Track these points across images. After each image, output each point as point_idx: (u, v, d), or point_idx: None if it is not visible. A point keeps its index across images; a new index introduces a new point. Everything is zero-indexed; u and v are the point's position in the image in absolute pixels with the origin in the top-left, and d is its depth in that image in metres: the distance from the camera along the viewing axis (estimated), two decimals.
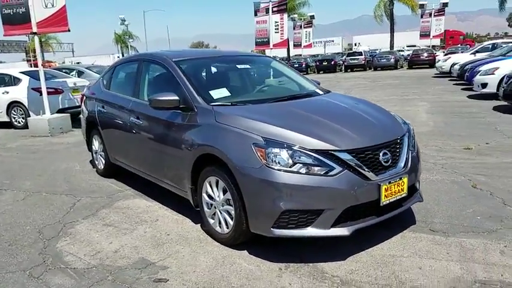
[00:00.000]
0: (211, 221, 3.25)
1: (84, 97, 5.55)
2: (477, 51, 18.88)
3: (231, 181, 2.89)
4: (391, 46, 41.31)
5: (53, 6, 8.41)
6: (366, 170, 2.75)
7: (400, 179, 2.90)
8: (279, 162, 2.68)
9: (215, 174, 3.08)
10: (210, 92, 3.55)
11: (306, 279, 2.61)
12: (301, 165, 2.66)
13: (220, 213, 3.13)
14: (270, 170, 2.66)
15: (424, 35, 40.31)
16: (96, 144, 5.26)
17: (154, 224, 3.64)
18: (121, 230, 3.56)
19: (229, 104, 3.37)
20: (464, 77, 13.55)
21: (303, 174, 2.64)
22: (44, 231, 3.60)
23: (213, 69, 4.24)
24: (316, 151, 2.69)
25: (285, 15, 29.71)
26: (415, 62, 30.09)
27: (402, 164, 2.98)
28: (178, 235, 3.39)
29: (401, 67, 32.30)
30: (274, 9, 27.81)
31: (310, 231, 2.69)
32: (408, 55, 33.46)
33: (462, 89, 13.59)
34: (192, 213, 3.73)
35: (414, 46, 34.53)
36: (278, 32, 31.86)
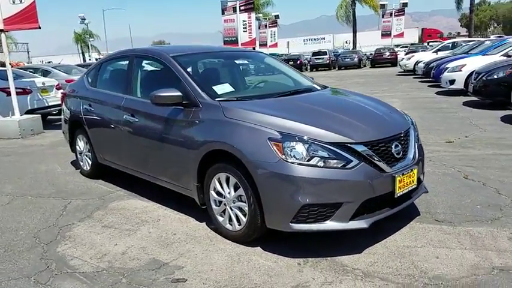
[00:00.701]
0: (221, 219, 3.18)
1: (66, 96, 5.29)
2: (439, 50, 19.72)
3: (245, 177, 2.84)
4: (354, 46, 42.39)
5: (21, 2, 7.97)
6: (381, 162, 2.78)
7: (411, 170, 2.95)
8: (295, 156, 2.65)
9: (226, 170, 3.01)
10: (213, 87, 3.47)
11: (328, 273, 2.60)
12: (318, 158, 2.65)
13: (231, 210, 3.06)
14: (287, 164, 2.63)
15: (386, 34, 41.69)
16: (81, 145, 5.03)
17: (157, 224, 3.52)
18: (123, 231, 3.42)
19: (235, 99, 3.32)
20: (430, 74, 14.10)
21: (321, 167, 2.63)
22: (39, 235, 3.40)
23: (211, 65, 4.16)
24: (333, 144, 2.69)
25: (253, 14, 29.78)
26: (377, 60, 30.99)
27: (411, 156, 3.04)
28: (185, 234, 3.29)
29: (365, 66, 33.16)
30: (242, 7, 27.82)
31: (329, 225, 2.69)
32: (371, 54, 34.42)
33: (429, 86, 14.13)
34: (194, 211, 3.64)
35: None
36: (246, 31, 31.91)
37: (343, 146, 2.70)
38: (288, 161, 2.64)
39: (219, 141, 2.99)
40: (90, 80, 4.88)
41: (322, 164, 2.64)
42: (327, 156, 2.65)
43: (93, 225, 3.58)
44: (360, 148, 2.72)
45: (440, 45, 20.51)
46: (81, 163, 5.11)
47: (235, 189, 2.99)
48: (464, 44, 17.99)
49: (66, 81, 10.81)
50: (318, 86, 4.04)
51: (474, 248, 2.82)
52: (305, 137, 2.69)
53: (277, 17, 43.14)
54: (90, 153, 4.85)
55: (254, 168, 2.73)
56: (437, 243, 2.91)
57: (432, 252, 2.79)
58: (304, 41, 72.99)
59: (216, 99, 3.26)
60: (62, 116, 5.41)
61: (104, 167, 4.73)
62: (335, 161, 2.66)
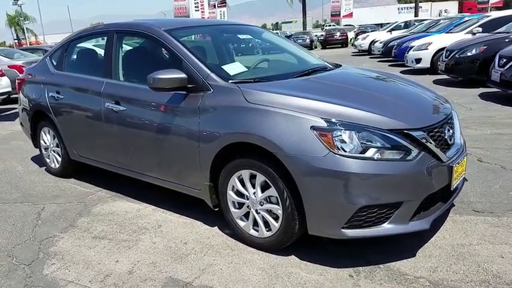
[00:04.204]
0: (242, 223, 2.69)
1: (23, 82, 4.44)
2: (393, 29, 19.95)
3: (279, 175, 2.35)
4: (304, 27, 42.30)
5: None
6: (440, 150, 2.39)
7: (464, 157, 2.61)
8: (347, 148, 2.20)
9: (250, 167, 2.50)
10: (223, 67, 2.91)
11: (390, 285, 2.20)
12: (374, 149, 2.21)
13: (257, 213, 2.57)
14: (339, 158, 2.18)
15: (335, 14, 41.97)
16: (46, 139, 4.25)
17: (159, 232, 2.95)
18: (120, 242, 2.82)
19: (252, 80, 2.78)
20: (391, 53, 14.14)
21: (378, 160, 2.20)
22: (16, 254, 2.73)
23: (213, 41, 3.56)
24: (391, 131, 2.26)
25: None
26: (329, 42, 30.97)
27: (459, 141, 2.69)
28: (198, 243, 2.76)
29: (316, 47, 33.11)
30: None
31: (387, 228, 2.28)
32: (322, 35, 34.42)
33: (390, 65, 14.12)
34: (198, 213, 3.14)
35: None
36: (198, 10, 30.66)
37: (402, 133, 2.28)
38: (339, 154, 2.18)
39: (242, 132, 2.46)
40: (55, 63, 4.09)
41: (379, 156, 2.21)
42: (385, 146, 2.22)
43: (80, 236, 2.95)
44: (418, 135, 2.31)
45: (393, 25, 20.73)
46: (48, 160, 4.35)
47: (263, 189, 2.50)
48: (417, 23, 18.29)
49: (9, 66, 9.57)
50: (330, 65, 3.58)
51: None
52: (359, 124, 2.24)
53: None
54: (59, 149, 4.11)
55: (294, 164, 2.25)
56: (493, 239, 2.60)
57: (493, 251, 2.47)
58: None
59: (230, 81, 2.71)
60: (19, 106, 4.57)
61: (77, 164, 4.02)
62: (394, 151, 2.23)
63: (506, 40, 7.62)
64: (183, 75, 2.70)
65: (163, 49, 3.10)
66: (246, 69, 3.02)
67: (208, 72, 2.76)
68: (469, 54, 8.25)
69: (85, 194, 3.77)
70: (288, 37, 33.89)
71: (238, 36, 3.70)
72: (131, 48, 3.58)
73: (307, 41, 31.15)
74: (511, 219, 2.84)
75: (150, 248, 2.73)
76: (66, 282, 2.37)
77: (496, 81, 6.67)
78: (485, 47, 7.96)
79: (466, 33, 10.30)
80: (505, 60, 6.53)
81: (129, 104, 3.16)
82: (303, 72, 3.07)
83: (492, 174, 3.67)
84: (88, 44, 4.08)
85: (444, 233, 2.71)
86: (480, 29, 9.54)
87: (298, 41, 31.55)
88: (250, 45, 4.60)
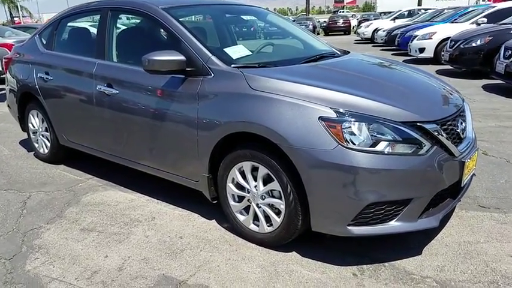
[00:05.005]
0: (242, 217, 2.55)
1: (11, 61, 4.23)
2: (396, 18, 19.71)
3: (283, 168, 2.20)
4: (307, 12, 41.82)
5: None
6: (452, 144, 2.25)
7: (475, 152, 2.47)
8: (356, 141, 2.05)
9: (252, 158, 2.35)
10: (224, 49, 2.73)
11: (396, 285, 2.08)
12: (386, 143, 2.06)
13: (258, 207, 2.43)
14: (348, 151, 2.03)
15: (338, 1, 41.47)
16: (35, 122, 4.06)
17: (152, 224, 2.81)
18: (111, 236, 2.68)
19: (257, 65, 2.61)
20: (395, 42, 13.94)
21: (388, 154, 2.06)
22: None
23: (214, 21, 3.36)
24: (404, 124, 2.11)
25: None
26: (332, 28, 30.71)
27: (471, 135, 2.55)
28: (195, 237, 2.62)
29: (318, 34, 32.78)
30: None
31: (395, 226, 2.15)
32: (324, 22, 34.06)
33: (392, 54, 13.93)
34: (195, 205, 3.00)
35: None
36: None
37: (414, 126, 2.13)
38: (348, 148, 2.03)
39: (244, 121, 2.30)
40: (44, 42, 3.88)
41: (389, 150, 2.06)
42: (396, 139, 2.08)
43: (67, 228, 2.79)
44: (431, 127, 2.17)
45: (397, 13, 20.46)
46: (36, 145, 4.16)
47: (266, 182, 2.35)
48: (422, 12, 18.07)
49: None
50: (338, 51, 3.40)
51: None
52: (370, 115, 2.09)
53: None
54: (48, 133, 3.92)
55: (300, 157, 2.10)
56: (500, 237, 2.49)
57: (501, 249, 2.36)
58: None
59: (233, 66, 2.54)
60: (6, 87, 4.36)
61: (68, 149, 3.85)
62: (406, 145, 2.09)
63: None
64: (182, 58, 2.53)
65: (160, 29, 2.91)
66: (250, 53, 2.85)
67: (209, 55, 2.58)
68: (474, 44, 8.08)
69: (75, 182, 3.60)
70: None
71: (242, 17, 3.49)
72: (126, 27, 3.38)
73: (310, 27, 30.77)
74: None
75: (143, 242, 2.58)
76: (49, 279, 2.22)
77: (500, 73, 6.52)
78: (490, 38, 7.79)
79: (471, 23, 10.13)
80: (510, 51, 6.37)
81: (122, 87, 2.98)
82: (310, 58, 2.90)
83: (497, 169, 3.56)
84: (80, 22, 3.86)
85: (450, 230, 2.59)
86: (485, 20, 9.37)
87: (301, 26, 31.04)
88: (252, 29, 4.40)
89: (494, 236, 2.51)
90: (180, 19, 2.83)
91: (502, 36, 7.37)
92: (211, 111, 2.45)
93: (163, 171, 2.92)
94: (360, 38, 21.66)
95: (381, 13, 33.36)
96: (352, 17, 33.54)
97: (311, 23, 31.10)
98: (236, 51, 2.76)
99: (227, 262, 2.34)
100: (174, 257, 2.41)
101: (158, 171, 2.96)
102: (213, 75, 2.51)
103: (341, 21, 30.18)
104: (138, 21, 3.29)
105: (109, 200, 3.23)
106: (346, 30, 29.45)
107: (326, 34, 30.94)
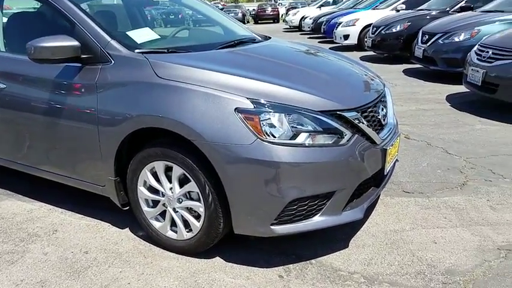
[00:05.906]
0: (157, 224, 2.27)
1: None
2: (322, 5, 20.07)
3: (199, 167, 1.97)
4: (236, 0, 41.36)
5: None
6: (373, 132, 2.16)
7: (397, 138, 2.41)
8: (276, 134, 1.87)
9: (165, 157, 2.08)
10: (127, 33, 2.40)
11: (323, 285, 1.96)
12: (306, 134, 1.90)
13: (175, 211, 2.18)
14: (267, 145, 1.84)
15: None
16: None
17: (54, 239, 2.43)
18: (2, 256, 2.27)
19: (165, 50, 2.32)
20: (321, 29, 14.15)
21: (309, 147, 1.90)
22: None
23: (123, 4, 2.98)
24: (323, 113, 1.96)
25: None
26: (261, 17, 30.70)
27: (392, 120, 2.49)
28: (103, 251, 2.30)
29: (248, 22, 32.64)
30: None
31: (319, 221, 2.01)
32: (254, 9, 33.97)
33: (319, 42, 14.15)
34: (106, 213, 2.66)
35: None
36: None
37: (334, 114, 1.99)
38: (267, 141, 1.84)
39: (152, 114, 2.01)
40: None
41: (310, 142, 1.91)
42: (316, 130, 1.92)
43: None
44: (352, 116, 2.04)
45: (322, 1, 20.84)
46: None
47: (182, 183, 2.10)
48: None
49: None
50: (259, 36, 3.20)
51: (465, 224, 2.45)
52: (289, 105, 1.91)
53: None
54: None
55: (216, 153, 1.87)
56: (424, 223, 2.48)
57: (426, 236, 2.34)
58: None
59: (136, 51, 2.23)
60: None
61: None
62: (326, 135, 1.95)
63: (428, 17, 7.81)
64: (75, 43, 2.16)
65: (53, 12, 2.50)
66: (159, 37, 2.54)
67: (108, 39, 2.23)
68: (394, 30, 8.38)
69: None
70: (221, 9, 32.67)
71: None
72: (11, 10, 2.90)
73: (239, 15, 30.46)
74: (440, 199, 2.76)
75: (40, 261, 2.21)
76: None
77: (419, 57, 6.79)
78: (409, 24, 8.12)
79: (391, 9, 10.51)
80: (427, 36, 6.65)
81: (9, 80, 2.54)
82: (228, 44, 2.66)
83: (419, 152, 3.62)
84: None
85: (376, 219, 2.54)
86: (404, 6, 9.74)
87: (230, 14, 30.62)
88: (180, 16, 4.06)
89: (419, 222, 2.49)
90: (75, 0, 2.44)
91: (420, 22, 7.70)
92: (112, 104, 2.13)
93: (64, 177, 2.54)
94: (288, 26, 21.81)
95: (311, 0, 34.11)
96: (279, 5, 33.89)
97: (240, 11, 30.86)
98: (141, 34, 2.46)
99: (139, 278, 2.06)
100: (76, 276, 2.08)
101: (59, 177, 2.57)
102: (113, 62, 2.18)
103: (269, 9, 30.25)
104: (30, 4, 2.83)
105: (4, 212, 2.78)
106: (275, 18, 29.62)
107: (256, 22, 30.87)
